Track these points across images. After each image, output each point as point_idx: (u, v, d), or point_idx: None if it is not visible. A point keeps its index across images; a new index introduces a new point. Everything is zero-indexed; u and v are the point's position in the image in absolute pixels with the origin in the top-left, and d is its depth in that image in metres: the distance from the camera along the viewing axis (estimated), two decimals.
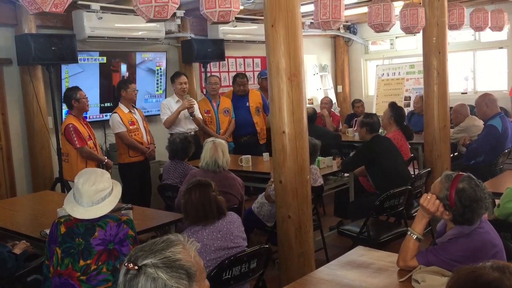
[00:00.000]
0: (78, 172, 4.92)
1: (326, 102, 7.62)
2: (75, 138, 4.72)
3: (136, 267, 1.29)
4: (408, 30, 5.05)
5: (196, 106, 5.95)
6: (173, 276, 1.29)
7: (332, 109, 7.76)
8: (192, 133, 5.80)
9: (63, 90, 5.70)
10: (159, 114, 6.10)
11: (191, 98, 5.83)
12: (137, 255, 1.33)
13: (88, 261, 2.42)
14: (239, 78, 6.53)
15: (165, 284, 1.27)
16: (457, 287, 1.22)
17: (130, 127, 5.26)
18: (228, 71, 8.11)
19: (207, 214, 2.75)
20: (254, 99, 6.46)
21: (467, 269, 1.22)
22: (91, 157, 4.83)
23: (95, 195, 2.46)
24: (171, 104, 5.83)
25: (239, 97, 6.47)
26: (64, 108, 5.83)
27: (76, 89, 5.05)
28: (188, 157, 4.85)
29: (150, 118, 6.51)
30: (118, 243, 2.47)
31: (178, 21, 6.99)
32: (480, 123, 5.70)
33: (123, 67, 6.57)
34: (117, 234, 2.47)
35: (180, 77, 5.91)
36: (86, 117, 5.34)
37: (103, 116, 6.33)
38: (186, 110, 5.72)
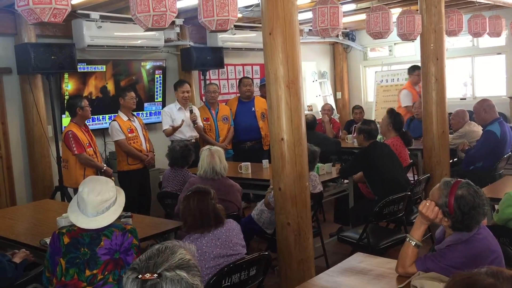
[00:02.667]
0: (76, 178, 4.99)
1: (328, 109, 7.66)
2: (74, 145, 4.79)
3: (156, 275, 1.32)
4: (405, 36, 5.08)
5: (198, 114, 5.97)
6: (193, 275, 1.36)
7: (332, 116, 7.78)
8: (193, 140, 5.82)
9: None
10: (159, 122, 6.12)
11: (193, 107, 5.87)
12: (148, 265, 1.36)
13: (95, 271, 2.41)
14: (245, 79, 6.61)
15: (188, 283, 1.33)
16: None
17: (129, 134, 5.28)
18: (228, 79, 8.14)
19: (204, 222, 2.75)
20: (260, 104, 6.48)
21: (462, 275, 1.23)
22: (89, 164, 4.87)
23: (100, 205, 2.45)
24: (173, 111, 5.85)
25: (245, 102, 6.50)
26: (65, 117, 5.86)
27: (80, 97, 5.13)
28: (188, 165, 4.85)
29: (150, 126, 6.53)
30: (123, 253, 2.46)
31: (177, 29, 7.03)
32: (479, 128, 5.71)
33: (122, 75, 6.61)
34: (122, 243, 2.47)
35: (183, 86, 5.94)
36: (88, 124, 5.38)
37: (102, 124, 6.35)
38: (189, 118, 5.76)
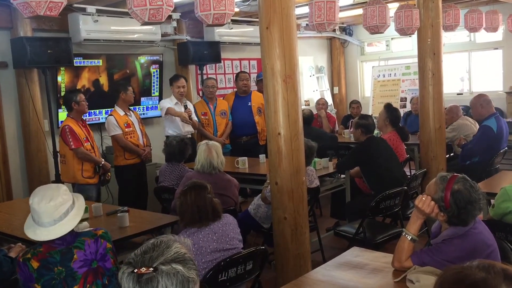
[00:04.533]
0: (74, 173, 4.97)
1: (323, 103, 7.66)
2: (71, 139, 4.76)
3: (151, 269, 1.32)
4: (403, 31, 5.07)
5: (192, 109, 5.96)
6: (189, 268, 1.36)
7: (327, 110, 7.78)
8: (189, 135, 5.80)
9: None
10: (156, 116, 6.06)
11: (187, 103, 5.83)
12: (144, 259, 1.36)
13: (75, 287, 2.27)
14: (242, 74, 6.61)
15: (184, 276, 1.33)
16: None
17: (126, 129, 5.26)
18: (224, 73, 8.12)
19: (202, 216, 2.76)
20: (256, 99, 6.48)
21: (453, 269, 1.22)
22: (87, 158, 4.85)
23: (55, 211, 2.25)
24: (169, 106, 5.83)
25: (241, 97, 6.49)
26: (61, 111, 5.84)
27: (76, 91, 5.10)
28: (185, 160, 4.85)
29: (146, 121, 6.52)
30: (101, 260, 2.33)
31: (174, 24, 6.99)
32: (472, 122, 5.75)
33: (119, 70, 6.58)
34: (97, 250, 2.33)
35: (178, 81, 5.89)
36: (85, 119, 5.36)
37: (99, 119, 6.33)
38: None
